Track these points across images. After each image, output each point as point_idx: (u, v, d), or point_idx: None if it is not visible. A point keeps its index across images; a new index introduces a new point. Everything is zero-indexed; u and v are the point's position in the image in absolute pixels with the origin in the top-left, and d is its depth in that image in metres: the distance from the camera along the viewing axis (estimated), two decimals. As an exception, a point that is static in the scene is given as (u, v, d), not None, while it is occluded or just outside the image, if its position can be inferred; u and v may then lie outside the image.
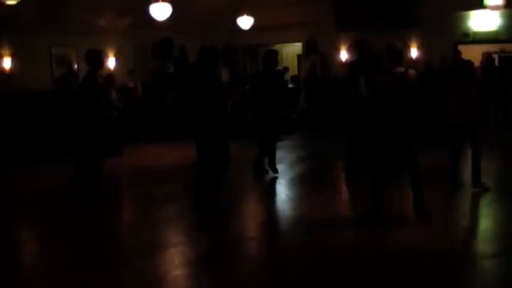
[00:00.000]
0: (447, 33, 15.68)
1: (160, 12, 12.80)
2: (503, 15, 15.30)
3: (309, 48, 18.15)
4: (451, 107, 8.43)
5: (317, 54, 17.98)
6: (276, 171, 10.05)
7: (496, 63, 17.35)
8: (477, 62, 17.35)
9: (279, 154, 11.01)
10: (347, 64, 9.43)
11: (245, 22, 16.50)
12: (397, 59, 6.91)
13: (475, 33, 15.91)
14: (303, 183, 9.84)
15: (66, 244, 6.77)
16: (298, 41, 18.58)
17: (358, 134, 9.00)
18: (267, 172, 10.06)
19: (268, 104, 9.63)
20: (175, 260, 6.07)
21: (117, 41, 15.89)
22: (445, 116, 8.60)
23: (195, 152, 7.78)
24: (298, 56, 18.55)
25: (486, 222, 7.37)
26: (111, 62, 15.79)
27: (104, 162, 8.71)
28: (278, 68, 10.16)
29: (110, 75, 14.07)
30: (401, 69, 6.88)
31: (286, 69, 18.20)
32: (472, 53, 17.41)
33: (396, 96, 6.84)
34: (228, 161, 7.88)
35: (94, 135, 8.37)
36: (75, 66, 14.47)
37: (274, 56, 9.94)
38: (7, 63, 13.17)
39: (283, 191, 9.04)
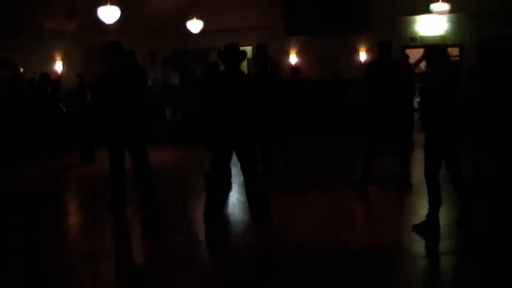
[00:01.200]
0: (395, 37, 15.85)
1: (109, 15, 12.63)
2: (450, 20, 15.62)
3: (259, 52, 18.17)
4: (468, 109, 8.50)
5: (267, 58, 17.99)
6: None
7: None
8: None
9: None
10: (366, 64, 9.43)
11: (195, 26, 16.44)
12: (440, 60, 6.86)
13: (422, 37, 16.20)
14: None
15: (12, 251, 6.60)
16: (248, 45, 18.58)
17: (374, 137, 9.00)
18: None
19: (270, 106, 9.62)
20: (121, 266, 6.00)
21: (65, 45, 15.65)
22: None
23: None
24: (248, 60, 18.51)
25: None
26: (58, 66, 15.54)
27: None
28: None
29: (57, 79, 13.94)
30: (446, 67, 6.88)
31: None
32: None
33: (452, 94, 6.74)
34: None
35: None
36: (21, 69, 14.21)
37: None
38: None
39: (233, 195, 9.00)
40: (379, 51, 9.26)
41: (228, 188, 7.56)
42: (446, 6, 14.08)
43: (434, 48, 7.23)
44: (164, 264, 5.97)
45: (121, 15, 12.72)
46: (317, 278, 5.48)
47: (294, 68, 16.75)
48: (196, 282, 5.53)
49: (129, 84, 7.64)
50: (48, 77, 13.10)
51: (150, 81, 16.11)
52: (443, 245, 6.39)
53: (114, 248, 6.78)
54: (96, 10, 12.64)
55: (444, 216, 7.59)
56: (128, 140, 7.64)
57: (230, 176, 9.22)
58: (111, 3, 12.53)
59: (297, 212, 7.96)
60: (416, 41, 16.29)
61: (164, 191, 9.04)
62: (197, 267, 5.96)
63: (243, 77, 7.35)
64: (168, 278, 5.58)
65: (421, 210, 7.78)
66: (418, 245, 6.41)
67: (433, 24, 15.91)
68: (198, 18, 16.32)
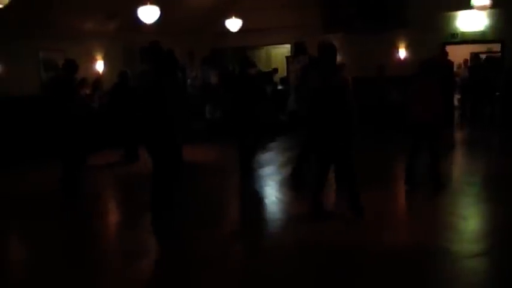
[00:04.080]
0: (435, 33, 15.74)
1: (149, 15, 12.77)
2: (490, 16, 15.37)
3: (298, 50, 18.09)
4: (414, 105, 8.41)
5: (306, 55, 17.92)
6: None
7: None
8: (459, 61, 17.33)
9: (269, 156, 11.03)
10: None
11: (233, 24, 16.49)
12: (328, 56, 7.08)
13: (462, 33, 15.99)
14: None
15: (47, 250, 6.74)
16: (286, 42, 18.58)
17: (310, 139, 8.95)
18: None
19: (239, 106, 9.81)
20: (164, 261, 6.08)
21: (105, 45, 15.85)
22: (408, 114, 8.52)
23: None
24: (287, 58, 18.51)
25: (470, 222, 7.39)
26: (99, 66, 15.76)
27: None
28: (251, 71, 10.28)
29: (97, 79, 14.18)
30: (334, 70, 7.08)
31: (275, 70, 18.18)
32: (460, 53, 17.53)
33: (327, 96, 6.92)
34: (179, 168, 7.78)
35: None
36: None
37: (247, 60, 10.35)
38: (-6, 68, 13.14)
39: (272, 193, 9.03)
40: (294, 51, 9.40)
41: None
42: (487, 1, 13.88)
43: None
44: (197, 264, 6.04)
45: (160, 14, 12.84)
46: (354, 278, 5.49)
47: (340, 66, 16.31)
48: (229, 281, 5.60)
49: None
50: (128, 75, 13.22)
51: (189, 80, 16.22)
52: (483, 245, 6.33)
53: (151, 246, 6.86)
54: (136, 10, 12.78)
55: (485, 216, 7.55)
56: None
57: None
58: (151, 3, 12.67)
59: (329, 210, 7.93)
60: (457, 37, 16.08)
61: (201, 188, 9.19)
62: (228, 266, 6.04)
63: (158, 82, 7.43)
64: (202, 276, 5.66)
65: (459, 209, 7.75)
66: (457, 245, 6.35)
67: (473, 20, 15.68)
68: (236, 16, 16.38)
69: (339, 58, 16.88)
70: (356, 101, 7.01)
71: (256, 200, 8.78)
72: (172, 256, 6.37)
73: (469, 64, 17.84)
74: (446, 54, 15.37)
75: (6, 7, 10.33)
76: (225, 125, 10.01)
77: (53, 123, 8.94)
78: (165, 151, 7.19)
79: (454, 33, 16.09)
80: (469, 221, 7.38)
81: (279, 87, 17.76)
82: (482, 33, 15.73)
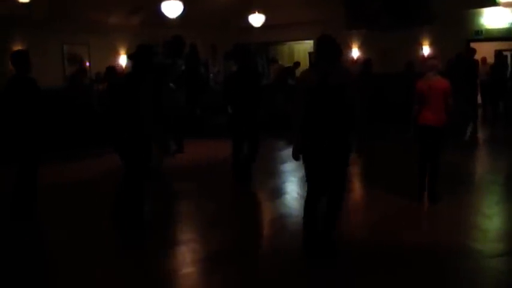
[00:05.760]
0: (459, 30, 15.61)
1: (172, 9, 12.84)
2: (515, 13, 15.24)
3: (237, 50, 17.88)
4: (418, 106, 7.79)
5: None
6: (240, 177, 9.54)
7: (509, 60, 17.30)
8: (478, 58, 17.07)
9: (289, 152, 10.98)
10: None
11: (256, 20, 16.50)
12: (326, 51, 5.94)
13: (487, 30, 15.84)
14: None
15: (77, 240, 6.77)
16: (309, 38, 18.55)
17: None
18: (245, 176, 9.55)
19: (238, 103, 9.36)
20: (186, 257, 6.11)
21: (129, 39, 15.93)
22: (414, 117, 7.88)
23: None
24: (310, 54, 18.49)
25: (494, 221, 7.32)
26: (122, 60, 15.84)
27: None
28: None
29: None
30: (333, 66, 5.83)
31: (297, 64, 18.12)
32: (485, 51, 17.35)
33: (321, 96, 5.70)
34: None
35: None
36: (87, 63, 14.55)
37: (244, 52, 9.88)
38: (19, 60, 13.24)
39: (294, 189, 9.02)
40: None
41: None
42: (514, -2, 13.76)
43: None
44: (219, 259, 6.03)
45: (183, 9, 12.89)
46: (376, 276, 5.47)
47: (367, 61, 15.02)
48: (245, 278, 5.60)
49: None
50: (85, 71, 13.26)
51: (211, 75, 16.26)
52: (507, 244, 6.26)
53: (173, 240, 6.89)
54: (159, 5, 12.84)
55: (509, 215, 7.47)
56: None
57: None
58: (174, -2, 12.74)
59: (352, 209, 7.88)
60: (481, 34, 15.93)
61: (219, 184, 9.19)
62: (251, 262, 6.05)
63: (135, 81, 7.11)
64: (224, 272, 5.67)
65: (483, 208, 7.68)
66: (481, 244, 6.29)
67: (498, 17, 15.52)
68: (259, 12, 16.37)
69: (361, 54, 17.00)
70: (382, 98, 6.69)
71: (278, 196, 8.78)
72: (183, 252, 6.41)
73: (487, 62, 17.57)
74: (473, 52, 14.87)
75: (31, 1, 10.44)
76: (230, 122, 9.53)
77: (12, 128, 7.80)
78: (136, 152, 6.98)
79: (479, 30, 15.96)
80: (493, 220, 7.29)
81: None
82: (507, 30, 15.58)
